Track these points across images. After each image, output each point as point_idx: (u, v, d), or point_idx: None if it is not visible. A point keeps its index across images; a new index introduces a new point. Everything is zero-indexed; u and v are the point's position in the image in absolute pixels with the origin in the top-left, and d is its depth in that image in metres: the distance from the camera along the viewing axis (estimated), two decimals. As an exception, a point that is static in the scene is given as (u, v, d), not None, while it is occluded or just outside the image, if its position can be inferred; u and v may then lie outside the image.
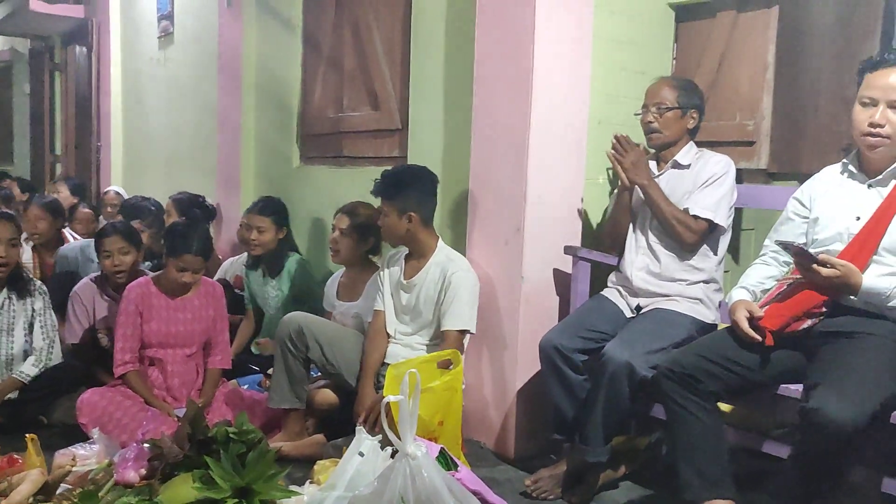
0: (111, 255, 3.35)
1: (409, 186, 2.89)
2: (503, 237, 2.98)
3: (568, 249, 2.95)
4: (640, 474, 2.77)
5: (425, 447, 1.87)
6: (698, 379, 2.19)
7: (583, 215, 3.07)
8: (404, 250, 3.02)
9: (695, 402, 2.19)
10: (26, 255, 4.45)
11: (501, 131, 2.97)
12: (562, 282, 3.02)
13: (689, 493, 2.19)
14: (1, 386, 3.11)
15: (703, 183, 2.67)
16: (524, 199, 2.89)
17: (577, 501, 2.58)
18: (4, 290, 3.19)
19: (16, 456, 2.30)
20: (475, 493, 2.01)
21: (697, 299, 2.66)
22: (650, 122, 2.74)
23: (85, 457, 2.41)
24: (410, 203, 2.86)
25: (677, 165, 2.76)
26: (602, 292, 2.85)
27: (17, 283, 3.22)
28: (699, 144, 2.83)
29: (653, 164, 2.82)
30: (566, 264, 2.99)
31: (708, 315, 2.67)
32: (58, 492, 2.11)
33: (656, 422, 2.61)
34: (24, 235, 4.49)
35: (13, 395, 3.15)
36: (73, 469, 2.26)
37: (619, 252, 2.87)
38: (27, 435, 2.36)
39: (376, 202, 3.02)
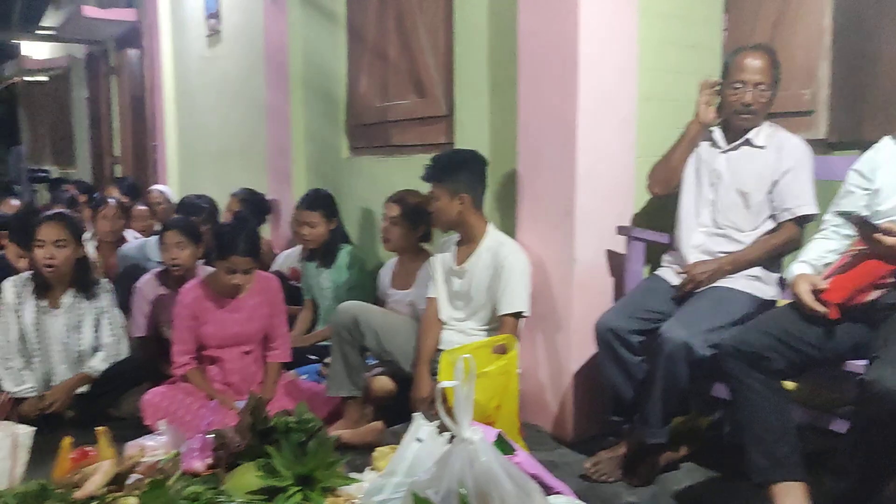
0: (169, 248, 3.44)
1: (459, 168, 2.89)
2: (554, 219, 2.95)
3: (621, 229, 2.92)
4: (702, 455, 2.72)
5: (482, 432, 1.87)
6: (765, 357, 2.13)
7: (634, 194, 3.02)
8: (455, 236, 3.02)
9: (762, 380, 2.14)
10: (90, 254, 4.61)
11: (548, 112, 2.94)
12: (615, 262, 2.98)
13: (757, 475, 2.14)
14: (73, 380, 3.23)
15: (786, 170, 2.54)
16: (574, 180, 2.86)
17: (638, 483, 2.55)
18: (72, 290, 3.29)
19: (88, 448, 2.39)
20: (534, 476, 2.00)
21: (755, 276, 2.59)
22: (749, 105, 2.56)
23: (153, 447, 2.48)
24: (461, 185, 2.86)
25: (749, 143, 2.63)
26: (656, 272, 2.81)
27: (85, 282, 3.32)
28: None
29: (718, 135, 2.70)
30: (619, 245, 2.95)
31: (767, 291, 2.60)
32: (128, 481, 2.17)
33: (717, 401, 2.56)
34: (87, 235, 4.68)
35: (84, 389, 3.26)
36: (143, 459, 2.33)
37: (665, 191, 2.80)
38: (98, 428, 2.45)
39: (426, 190, 3.03)
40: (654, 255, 2.93)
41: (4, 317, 3.20)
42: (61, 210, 3.58)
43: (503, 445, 2.13)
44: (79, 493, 2.02)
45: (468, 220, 2.91)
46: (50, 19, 11.00)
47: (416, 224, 3.27)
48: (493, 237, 2.93)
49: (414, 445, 2.12)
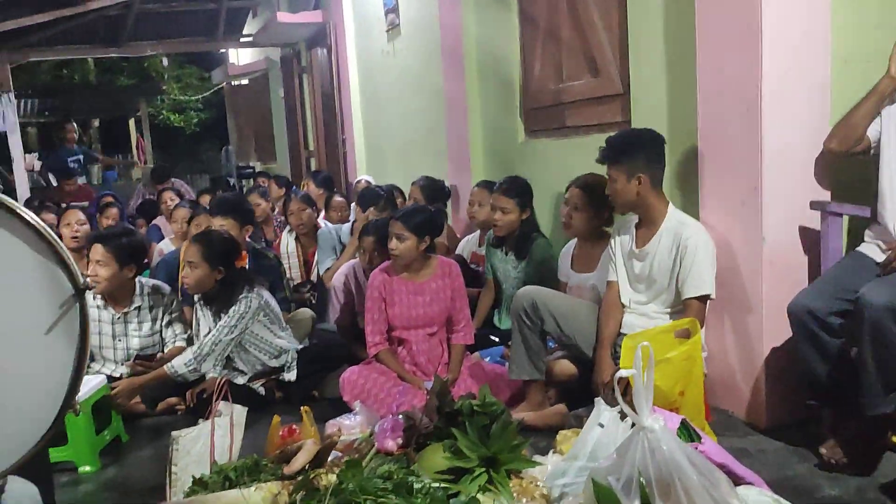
0: (366, 252, 3.71)
1: (635, 148, 2.83)
2: (739, 197, 2.81)
3: (815, 204, 2.72)
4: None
5: (664, 420, 1.83)
6: None
7: (830, 166, 2.79)
8: (634, 218, 2.96)
9: None
10: (291, 245, 5.01)
11: (730, 83, 2.80)
12: (809, 240, 2.79)
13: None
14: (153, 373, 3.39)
15: None
16: (760, 154, 2.70)
17: (858, 470, 2.38)
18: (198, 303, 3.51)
19: (295, 427, 2.63)
20: (721, 465, 1.94)
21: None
22: None
23: (349, 427, 2.68)
24: (638, 165, 2.79)
25: None
26: (858, 248, 2.59)
27: (223, 299, 3.41)
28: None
29: None
30: (814, 221, 2.75)
31: None
32: (329, 459, 2.35)
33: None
34: (287, 228, 5.09)
35: (291, 375, 3.54)
36: (341, 438, 2.52)
37: (841, 147, 2.60)
38: (302, 407, 2.69)
39: (604, 171, 2.98)
40: (854, 231, 2.71)
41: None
42: (209, 230, 3.72)
43: (687, 433, 2.09)
44: (287, 469, 2.22)
45: (647, 202, 2.84)
46: (250, 27, 11.90)
47: (599, 209, 3.22)
48: (674, 218, 2.84)
49: (596, 430, 2.13)
